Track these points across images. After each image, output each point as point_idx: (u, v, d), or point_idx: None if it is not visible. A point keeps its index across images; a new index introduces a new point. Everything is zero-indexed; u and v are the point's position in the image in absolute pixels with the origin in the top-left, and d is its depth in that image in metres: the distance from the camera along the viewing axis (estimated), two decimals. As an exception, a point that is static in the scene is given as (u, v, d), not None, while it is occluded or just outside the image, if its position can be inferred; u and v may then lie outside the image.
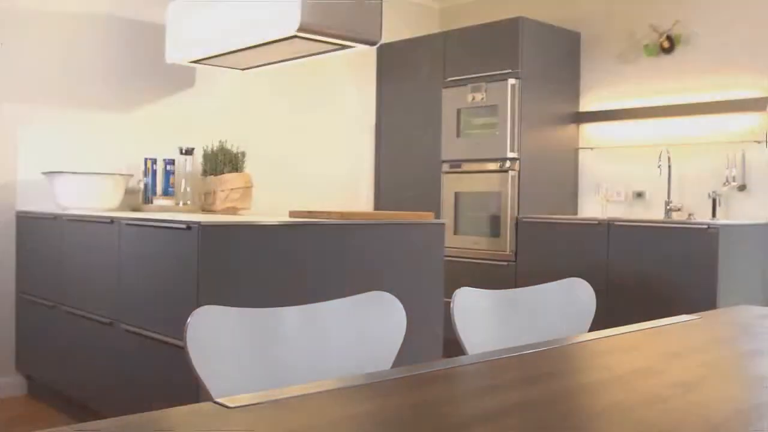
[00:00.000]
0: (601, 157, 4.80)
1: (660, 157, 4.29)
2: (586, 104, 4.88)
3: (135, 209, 3.89)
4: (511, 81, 4.49)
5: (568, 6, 4.99)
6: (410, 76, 5.16)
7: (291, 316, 1.32)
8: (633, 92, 4.63)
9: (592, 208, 4.84)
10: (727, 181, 4.18)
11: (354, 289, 1.53)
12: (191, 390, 2.50)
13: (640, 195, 4.59)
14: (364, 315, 1.41)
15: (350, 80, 5.22)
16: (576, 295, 1.78)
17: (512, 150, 4.49)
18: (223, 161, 3.92)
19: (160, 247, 2.76)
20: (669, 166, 4.37)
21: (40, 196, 3.76)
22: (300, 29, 3.01)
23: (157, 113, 4.21)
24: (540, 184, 4.64)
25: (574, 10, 4.93)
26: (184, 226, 2.60)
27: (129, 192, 3.93)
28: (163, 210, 3.84)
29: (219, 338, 1.20)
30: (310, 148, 4.99)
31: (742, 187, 4.14)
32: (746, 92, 4.14)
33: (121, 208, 3.80)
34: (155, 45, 4.09)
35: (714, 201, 4.15)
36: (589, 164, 4.87)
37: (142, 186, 3.98)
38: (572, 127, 4.88)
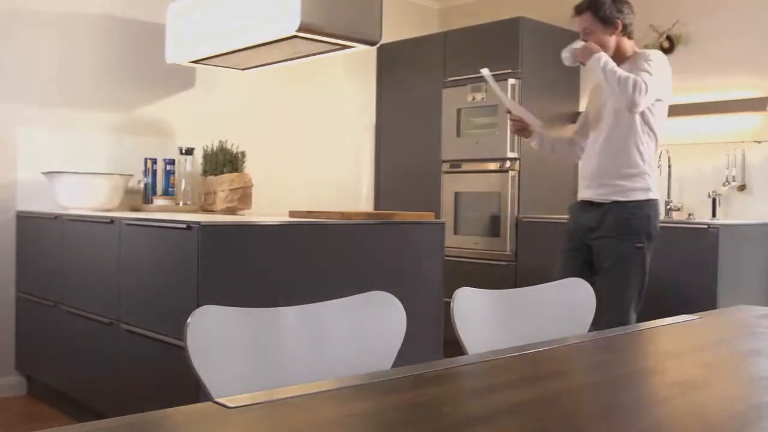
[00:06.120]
0: (601, 157, 4.79)
1: (660, 157, 4.29)
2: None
3: (135, 209, 3.89)
4: (512, 81, 4.49)
5: (569, 6, 4.96)
6: (410, 76, 5.16)
7: (291, 316, 1.32)
8: (633, 92, 4.62)
9: (592, 208, 4.82)
10: (727, 181, 4.17)
11: (354, 289, 1.53)
12: (191, 390, 2.50)
13: (640, 195, 4.57)
14: (364, 315, 1.41)
15: (350, 80, 5.22)
16: (576, 295, 1.78)
17: (512, 150, 4.48)
18: (223, 161, 3.92)
19: (160, 247, 2.76)
20: (669, 166, 4.36)
21: (40, 196, 3.76)
22: (300, 29, 3.01)
23: (157, 113, 4.21)
24: (540, 184, 4.64)
25: (574, 10, 4.92)
26: (184, 226, 2.60)
27: (129, 192, 3.92)
28: (163, 210, 3.84)
29: (219, 338, 1.20)
30: (311, 148, 4.99)
31: (742, 187, 4.14)
32: (746, 92, 4.13)
33: (121, 208, 3.80)
34: (155, 45, 4.09)
35: (714, 201, 4.15)
36: (589, 164, 4.85)
37: (142, 186, 3.98)
38: (572, 126, 4.87)
